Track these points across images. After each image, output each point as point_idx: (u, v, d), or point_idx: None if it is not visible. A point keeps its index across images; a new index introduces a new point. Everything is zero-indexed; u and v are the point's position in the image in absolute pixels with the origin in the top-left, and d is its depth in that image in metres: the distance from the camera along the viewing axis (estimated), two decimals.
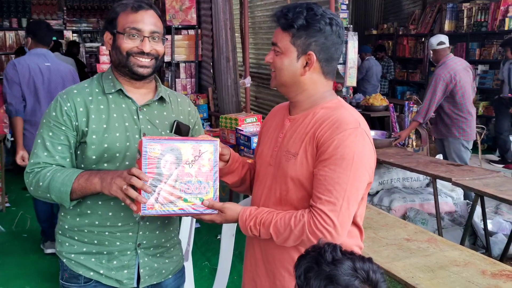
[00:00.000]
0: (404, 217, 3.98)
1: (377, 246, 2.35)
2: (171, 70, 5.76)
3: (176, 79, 5.78)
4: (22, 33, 9.06)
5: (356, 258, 1.04)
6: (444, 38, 4.56)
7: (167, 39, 1.57)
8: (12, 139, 4.94)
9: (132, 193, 1.35)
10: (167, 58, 5.66)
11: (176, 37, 5.65)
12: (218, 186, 1.45)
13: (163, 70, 6.05)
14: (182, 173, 1.39)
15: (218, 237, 3.79)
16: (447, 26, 8.20)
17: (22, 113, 3.48)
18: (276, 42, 1.45)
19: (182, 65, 5.78)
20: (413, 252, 2.28)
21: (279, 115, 1.60)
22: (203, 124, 5.51)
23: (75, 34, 9.72)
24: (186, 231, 2.52)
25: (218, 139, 1.47)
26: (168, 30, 5.62)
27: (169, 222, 1.68)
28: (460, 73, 4.38)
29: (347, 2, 6.59)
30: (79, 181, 1.46)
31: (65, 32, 9.48)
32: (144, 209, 1.36)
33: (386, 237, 2.43)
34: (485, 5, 7.61)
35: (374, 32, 10.49)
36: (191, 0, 5.68)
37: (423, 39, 8.91)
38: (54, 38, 5.83)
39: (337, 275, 1.00)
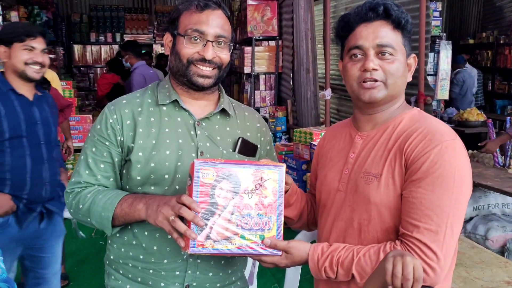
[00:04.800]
0: (503, 249, 3.47)
1: None
2: (250, 82, 5.70)
3: (256, 91, 5.71)
4: (116, 47, 9.60)
5: None
6: None
7: (233, 45, 1.43)
8: None
9: (181, 226, 1.14)
10: (247, 70, 5.63)
11: (257, 48, 5.58)
12: (282, 222, 1.22)
13: (243, 82, 6.03)
14: (240, 204, 1.18)
15: None
16: None
17: None
18: (389, 43, 1.19)
19: (262, 77, 5.70)
20: None
21: (341, 133, 1.37)
22: (280, 138, 5.34)
23: (164, 48, 10.07)
24: None
25: (284, 165, 1.23)
26: (249, 41, 5.59)
27: (226, 262, 1.41)
28: None
29: (440, 9, 6.12)
30: (122, 206, 1.28)
31: (154, 45, 9.87)
32: (194, 247, 1.15)
33: (481, 278, 2.05)
34: None
35: (471, 41, 9.70)
36: (272, 11, 5.60)
37: None
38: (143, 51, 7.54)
39: None
